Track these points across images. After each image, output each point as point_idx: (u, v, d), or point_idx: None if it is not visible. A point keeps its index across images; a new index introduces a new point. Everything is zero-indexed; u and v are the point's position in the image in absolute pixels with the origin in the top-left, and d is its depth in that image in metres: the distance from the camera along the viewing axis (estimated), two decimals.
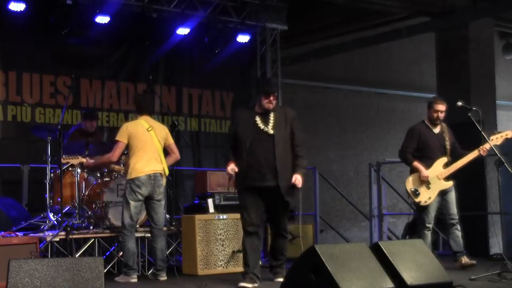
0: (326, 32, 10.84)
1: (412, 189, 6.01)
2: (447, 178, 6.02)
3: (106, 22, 7.67)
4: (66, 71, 7.72)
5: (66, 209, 6.17)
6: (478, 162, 7.38)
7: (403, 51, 12.04)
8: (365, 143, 11.85)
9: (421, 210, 6.04)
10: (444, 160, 6.03)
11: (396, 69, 12.34)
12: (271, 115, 5.06)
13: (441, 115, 6.11)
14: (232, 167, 4.99)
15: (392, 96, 12.30)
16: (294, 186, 4.98)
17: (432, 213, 6.00)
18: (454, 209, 6.05)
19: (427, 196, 5.97)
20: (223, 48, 8.67)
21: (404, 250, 4.47)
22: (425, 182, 5.95)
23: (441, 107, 6.09)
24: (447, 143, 6.08)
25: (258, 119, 5.03)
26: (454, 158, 6.05)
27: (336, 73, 11.80)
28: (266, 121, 5.02)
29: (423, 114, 11.57)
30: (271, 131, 5.00)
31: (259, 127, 5.00)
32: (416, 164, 6.03)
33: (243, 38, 8.74)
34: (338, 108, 11.91)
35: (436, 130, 6.14)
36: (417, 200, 5.99)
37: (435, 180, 5.96)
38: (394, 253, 4.34)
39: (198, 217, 6.09)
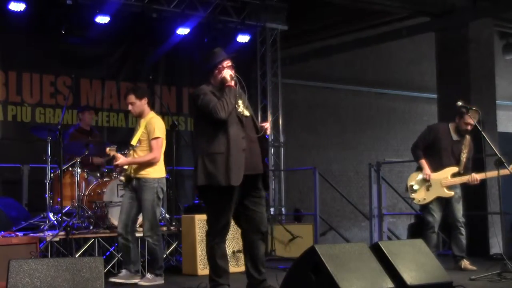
0: (326, 32, 10.82)
1: (412, 184, 5.99)
2: (450, 188, 5.95)
3: (106, 22, 7.67)
4: (66, 71, 7.73)
5: (66, 209, 6.16)
6: (478, 161, 7.38)
7: (403, 51, 12.04)
8: (365, 143, 11.84)
9: (424, 210, 6.01)
10: (455, 169, 5.94)
11: (396, 69, 12.34)
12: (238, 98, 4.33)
13: (471, 128, 5.93)
14: None
15: (392, 96, 12.28)
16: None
17: (436, 215, 5.95)
18: (460, 212, 6.01)
19: (422, 196, 5.94)
20: (223, 48, 8.63)
21: (404, 250, 4.47)
22: (426, 181, 5.91)
23: (473, 119, 5.82)
24: (463, 156, 5.95)
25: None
26: (465, 172, 5.95)
27: (336, 73, 11.80)
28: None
29: (423, 114, 11.67)
30: (246, 112, 4.35)
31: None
32: (423, 162, 5.97)
33: (243, 38, 8.74)
34: (338, 108, 11.91)
35: (456, 137, 5.99)
36: (411, 195, 5.98)
37: (438, 184, 5.92)
38: (394, 253, 4.34)
39: (198, 217, 6.06)
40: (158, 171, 5.32)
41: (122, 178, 5.43)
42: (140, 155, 5.27)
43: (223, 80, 4.29)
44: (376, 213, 8.06)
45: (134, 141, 5.32)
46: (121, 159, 5.24)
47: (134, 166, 5.29)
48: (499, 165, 5.66)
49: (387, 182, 8.33)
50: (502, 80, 11.09)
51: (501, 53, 12.24)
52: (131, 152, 5.34)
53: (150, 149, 5.26)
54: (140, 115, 5.38)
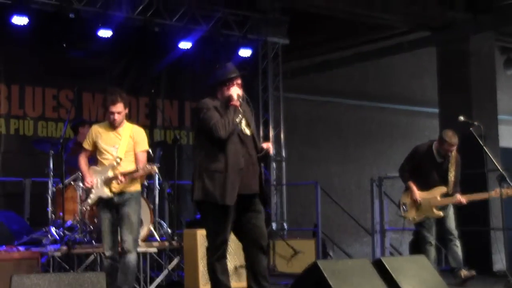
0: (327, 46, 10.87)
1: (403, 203, 6.09)
2: (440, 207, 5.97)
3: (109, 36, 7.72)
4: (69, 85, 7.76)
5: (68, 223, 6.15)
6: (480, 176, 7.39)
7: (404, 65, 12.07)
8: (366, 158, 11.84)
9: (419, 226, 6.06)
10: (443, 189, 5.95)
11: (397, 83, 12.37)
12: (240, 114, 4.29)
13: (451, 150, 5.90)
14: None
15: (394, 110, 12.31)
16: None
17: (431, 228, 5.99)
18: (452, 224, 6.03)
19: (412, 216, 6.04)
20: (225, 62, 8.67)
21: (407, 266, 4.49)
22: (416, 201, 5.98)
23: (452, 143, 5.84)
24: (451, 175, 5.95)
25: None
26: (454, 192, 5.95)
27: (337, 87, 11.82)
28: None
29: (425, 128, 11.68)
30: (247, 131, 4.30)
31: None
32: (411, 184, 6.05)
33: (245, 52, 8.80)
34: (339, 122, 11.93)
35: (440, 159, 5.99)
36: (402, 214, 6.08)
37: (427, 205, 5.95)
38: (397, 269, 4.35)
39: (200, 232, 5.98)
40: (139, 183, 5.10)
41: (92, 200, 4.95)
42: (125, 168, 4.86)
43: (230, 97, 4.26)
44: (378, 228, 8.05)
45: (121, 153, 4.88)
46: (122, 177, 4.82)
47: (119, 184, 4.85)
48: (501, 180, 5.68)
49: (389, 197, 8.34)
50: (503, 94, 11.13)
51: (502, 68, 12.31)
52: (114, 165, 4.85)
53: (137, 161, 4.91)
54: (120, 125, 4.96)
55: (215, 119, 4.15)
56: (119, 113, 4.87)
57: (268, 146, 4.34)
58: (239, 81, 4.32)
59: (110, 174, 4.86)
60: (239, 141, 4.20)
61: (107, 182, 4.87)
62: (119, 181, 4.83)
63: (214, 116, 4.16)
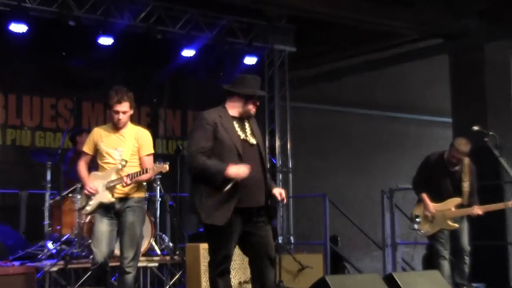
0: (335, 54, 10.81)
1: (415, 215, 6.01)
2: (455, 219, 5.89)
3: (110, 44, 7.69)
4: (68, 94, 7.75)
5: (66, 237, 6.11)
6: (496, 188, 7.28)
7: (415, 73, 11.97)
8: (377, 169, 11.74)
9: (432, 239, 5.98)
10: (457, 200, 5.87)
11: (408, 92, 12.28)
12: (246, 122, 4.23)
13: (461, 159, 5.83)
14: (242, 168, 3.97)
15: (405, 120, 12.22)
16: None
17: (445, 242, 5.91)
18: (465, 240, 5.96)
19: (426, 228, 5.96)
20: (229, 70, 8.67)
21: (420, 281, 4.40)
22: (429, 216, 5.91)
23: (462, 152, 5.75)
24: (465, 185, 5.87)
25: (236, 125, 4.16)
26: (470, 202, 5.87)
27: (346, 96, 11.76)
28: (243, 128, 4.19)
29: (438, 138, 11.57)
30: (253, 140, 4.18)
31: (239, 135, 4.14)
32: (424, 197, 5.97)
33: (250, 60, 8.77)
34: (348, 132, 11.85)
35: (454, 168, 5.91)
36: (415, 226, 6.00)
37: (441, 217, 5.87)
38: (409, 284, 4.27)
39: (203, 246, 5.91)
40: (144, 190, 4.87)
41: (91, 207, 4.67)
42: (129, 172, 4.62)
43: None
44: (390, 242, 7.97)
45: (127, 156, 4.66)
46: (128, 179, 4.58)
47: (124, 186, 4.62)
48: None
49: (401, 209, 8.23)
50: None
51: None
52: (120, 168, 4.64)
53: (143, 165, 4.69)
54: (124, 126, 4.75)
55: (199, 146, 4.00)
56: (124, 112, 4.64)
57: (281, 194, 4.16)
58: (257, 103, 4.22)
59: (114, 177, 4.62)
60: (237, 155, 4.05)
61: (110, 187, 4.62)
62: (124, 183, 4.56)
63: (200, 142, 4.02)
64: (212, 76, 8.63)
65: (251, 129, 4.22)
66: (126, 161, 4.65)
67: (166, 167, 4.52)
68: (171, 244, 6.66)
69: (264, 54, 9.10)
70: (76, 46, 7.67)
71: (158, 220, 6.68)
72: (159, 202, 6.72)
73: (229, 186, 3.88)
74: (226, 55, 8.63)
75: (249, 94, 4.15)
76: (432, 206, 5.90)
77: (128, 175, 4.58)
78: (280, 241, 8.54)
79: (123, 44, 7.86)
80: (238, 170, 3.94)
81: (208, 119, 4.09)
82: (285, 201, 4.24)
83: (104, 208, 4.67)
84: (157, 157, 6.64)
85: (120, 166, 4.64)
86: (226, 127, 4.10)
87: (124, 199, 4.67)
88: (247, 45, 8.69)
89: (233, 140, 4.08)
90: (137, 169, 4.69)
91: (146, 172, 4.57)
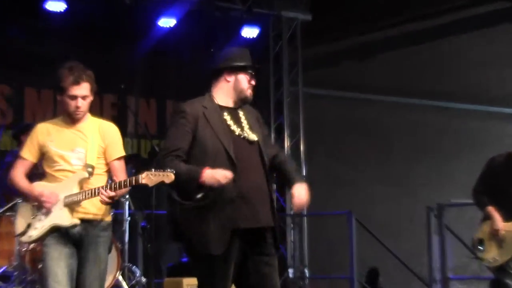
0: (363, 25, 10.86)
1: (478, 238, 5.97)
2: None
3: (61, 10, 7.72)
4: (5, 78, 7.80)
5: (1, 270, 6.10)
6: None
7: (471, 49, 11.96)
8: (420, 178, 11.72)
9: (500, 273, 5.90)
10: None
11: (462, 75, 12.26)
12: (240, 112, 4.25)
13: None
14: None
15: (458, 111, 12.21)
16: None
17: None
18: None
19: (492, 256, 5.91)
20: (222, 46, 8.63)
21: None
22: (496, 236, 5.87)
23: None
24: None
25: (227, 118, 4.17)
26: None
27: (377, 80, 11.75)
28: (237, 121, 4.20)
29: (504, 135, 11.52)
30: (253, 137, 4.19)
31: (232, 131, 4.14)
32: (490, 210, 5.93)
33: (250, 32, 8.82)
34: (380, 128, 11.82)
35: None
36: (478, 255, 5.97)
37: None
38: None
39: (187, 281, 6.09)
40: (109, 210, 4.62)
41: (40, 231, 4.37)
42: (94, 183, 4.35)
43: (211, 177, 3.86)
44: (439, 276, 8.02)
45: (92, 159, 4.41)
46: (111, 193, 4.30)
47: (86, 204, 4.36)
48: None
49: (453, 232, 8.26)
50: None
51: None
52: (85, 177, 4.38)
53: (114, 172, 4.48)
54: (82, 118, 4.47)
55: (174, 148, 4.01)
56: (83, 98, 4.34)
57: (301, 202, 4.23)
58: (253, 82, 4.25)
59: (76, 190, 4.35)
60: (228, 161, 4.00)
61: (71, 204, 4.34)
62: (104, 199, 4.23)
63: (176, 144, 4.03)
64: (198, 54, 8.58)
65: (248, 121, 4.23)
66: (93, 167, 4.40)
67: (172, 176, 4.08)
68: (143, 279, 6.70)
69: (269, 24, 9.20)
70: (17, 12, 7.68)
71: (126, 247, 6.69)
72: (127, 222, 6.73)
73: (199, 195, 3.85)
74: (218, 25, 8.69)
75: (241, 66, 4.18)
76: (502, 224, 5.84)
77: (111, 185, 4.25)
78: (291, 275, 8.48)
79: (79, 12, 7.88)
80: (215, 175, 3.89)
81: (188, 112, 4.08)
82: (304, 207, 4.28)
83: (59, 234, 4.41)
84: (125, 161, 6.57)
85: (86, 174, 4.38)
86: (212, 122, 4.08)
87: (87, 221, 4.43)
88: (245, 12, 8.71)
89: (222, 139, 4.05)
90: (104, 179, 4.48)
91: (139, 180, 4.11)
